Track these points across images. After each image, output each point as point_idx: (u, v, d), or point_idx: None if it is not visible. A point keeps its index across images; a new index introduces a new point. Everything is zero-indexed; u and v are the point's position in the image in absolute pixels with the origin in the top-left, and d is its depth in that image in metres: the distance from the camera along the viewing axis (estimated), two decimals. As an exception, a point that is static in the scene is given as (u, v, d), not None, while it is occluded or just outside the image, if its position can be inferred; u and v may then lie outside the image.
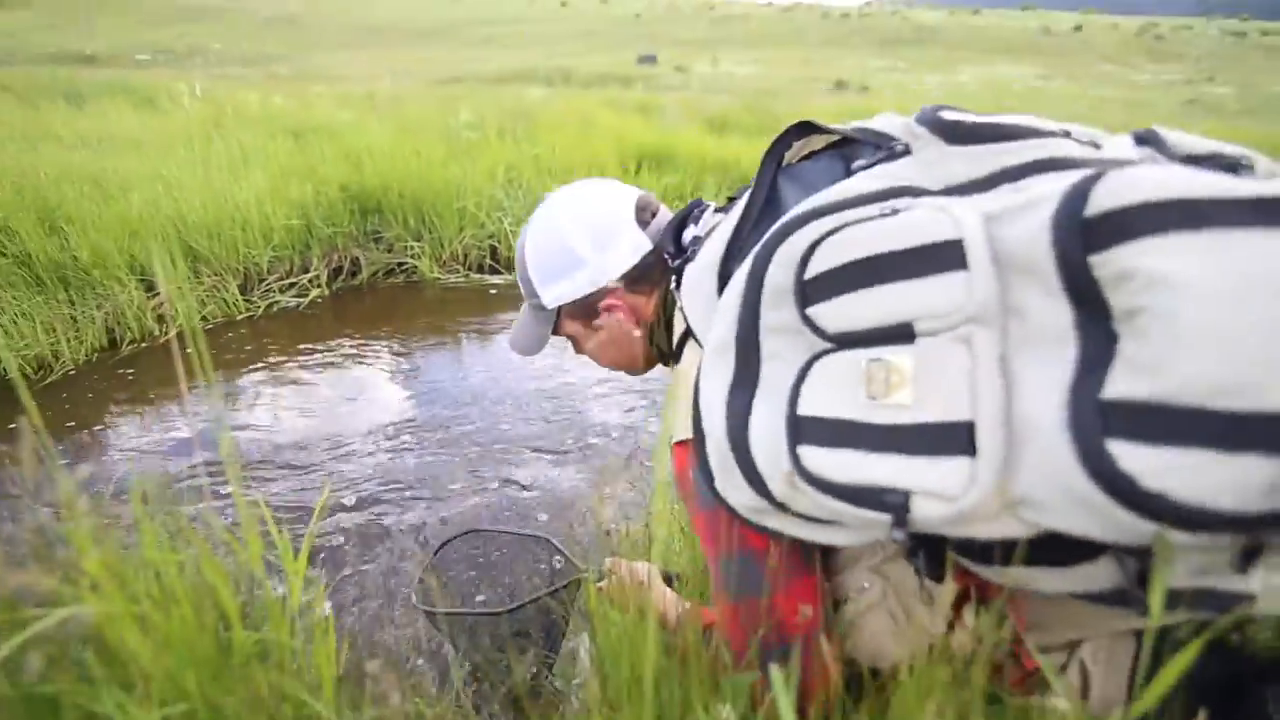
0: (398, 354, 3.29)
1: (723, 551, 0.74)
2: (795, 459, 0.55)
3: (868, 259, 0.54)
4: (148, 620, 0.71)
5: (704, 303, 0.77)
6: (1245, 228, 0.43)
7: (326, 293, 3.95)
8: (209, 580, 0.76)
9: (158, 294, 3.40)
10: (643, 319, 0.97)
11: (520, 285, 1.02)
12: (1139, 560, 0.50)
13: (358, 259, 4.21)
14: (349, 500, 2.15)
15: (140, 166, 4.06)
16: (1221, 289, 0.41)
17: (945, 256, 0.51)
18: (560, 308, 0.99)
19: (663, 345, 0.94)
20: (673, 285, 0.90)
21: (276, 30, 40.52)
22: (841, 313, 0.55)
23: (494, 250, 4.51)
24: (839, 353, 0.55)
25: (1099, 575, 0.53)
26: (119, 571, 0.71)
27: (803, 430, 0.55)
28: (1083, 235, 0.45)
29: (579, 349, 1.07)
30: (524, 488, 2.25)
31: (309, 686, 0.78)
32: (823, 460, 0.54)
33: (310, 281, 3.92)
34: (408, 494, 2.20)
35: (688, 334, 0.84)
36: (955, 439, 0.48)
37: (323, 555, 1.89)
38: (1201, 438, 0.40)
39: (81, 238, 3.20)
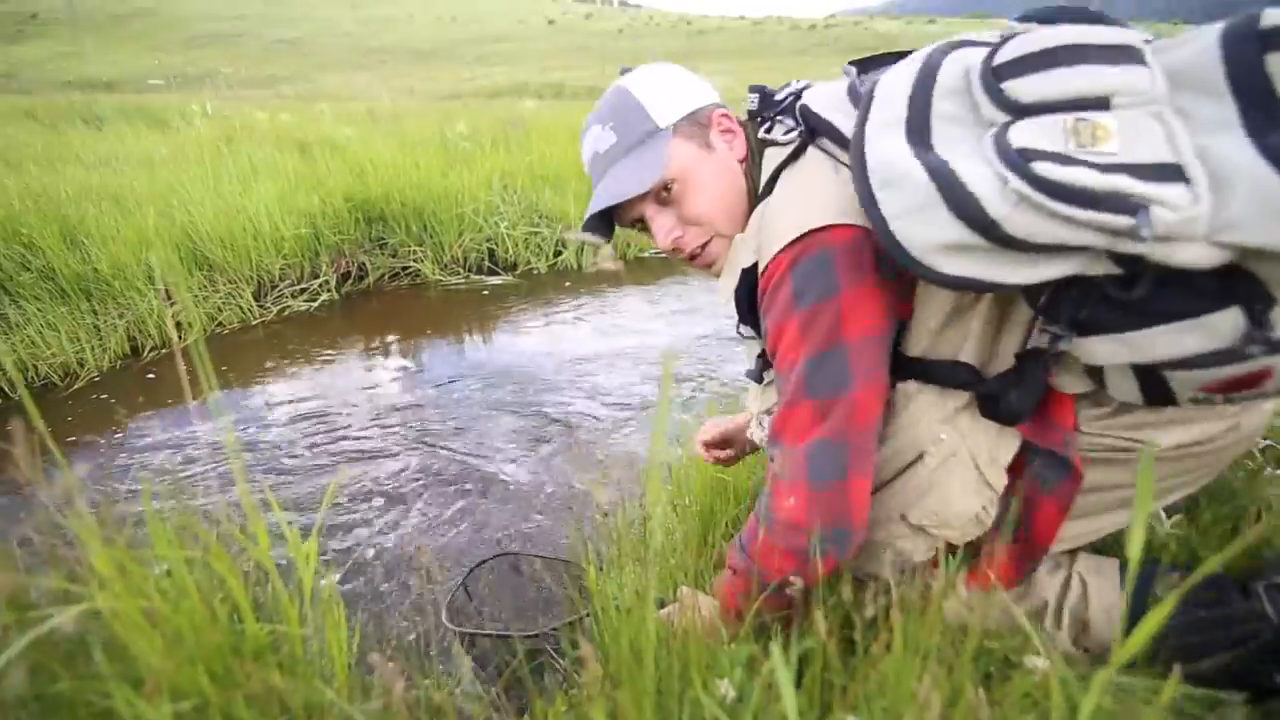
0: (404, 352, 3.24)
1: (810, 349, 0.72)
2: (1029, 175, 0.56)
3: (1058, 48, 0.60)
4: (157, 615, 0.67)
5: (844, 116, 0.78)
6: None
7: (336, 297, 3.89)
8: (219, 573, 0.72)
9: (174, 303, 3.33)
10: (744, 142, 0.89)
11: (613, 132, 0.86)
12: (1264, 306, 0.56)
13: (364, 264, 4.13)
14: (359, 492, 2.11)
15: (155, 183, 3.97)
16: None
17: (1128, 54, 0.60)
18: (675, 127, 0.86)
19: (755, 180, 0.87)
20: (764, 131, 0.87)
21: (282, 54, 39.93)
22: (1038, 87, 0.60)
23: (491, 252, 4.44)
24: (1036, 117, 0.59)
25: (1222, 326, 0.58)
26: (127, 568, 0.66)
27: (1029, 156, 0.57)
28: (1260, 40, 0.53)
29: (674, 208, 0.87)
30: (524, 482, 2.21)
31: (322, 675, 0.75)
32: (1061, 173, 0.55)
33: (320, 287, 3.85)
34: (417, 485, 2.16)
35: (778, 172, 0.82)
36: (1171, 172, 0.54)
37: (334, 545, 1.85)
38: None
39: (101, 251, 3.12)
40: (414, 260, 4.21)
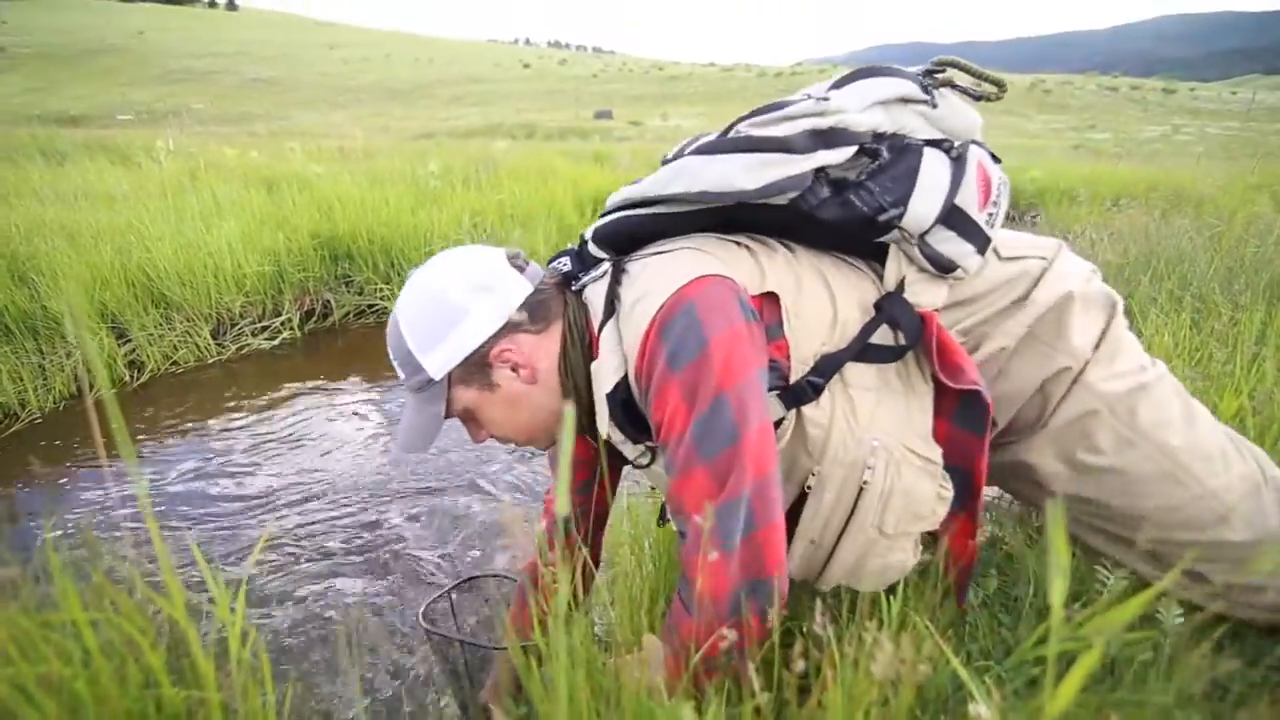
0: (366, 391, 3.17)
1: (695, 411, 0.71)
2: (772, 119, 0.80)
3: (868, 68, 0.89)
4: (55, 681, 0.62)
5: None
6: None
7: (298, 335, 3.81)
8: (128, 634, 0.68)
9: (129, 341, 3.23)
10: (546, 358, 0.85)
11: (400, 371, 0.86)
12: None
13: (329, 301, 4.08)
14: (300, 544, 2.03)
15: (114, 219, 3.88)
16: None
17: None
18: (450, 375, 0.84)
19: (578, 371, 0.85)
20: (576, 287, 0.88)
21: (257, 91, 40.00)
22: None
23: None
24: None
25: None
26: (24, 633, 0.62)
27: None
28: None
29: (479, 428, 0.91)
30: (483, 527, 2.16)
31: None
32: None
33: (282, 324, 3.78)
34: (368, 537, 2.09)
35: (611, 295, 0.82)
36: None
37: (266, 598, 1.77)
38: None
39: (51, 288, 3.02)
40: (380, 298, 4.17)
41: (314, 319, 4.01)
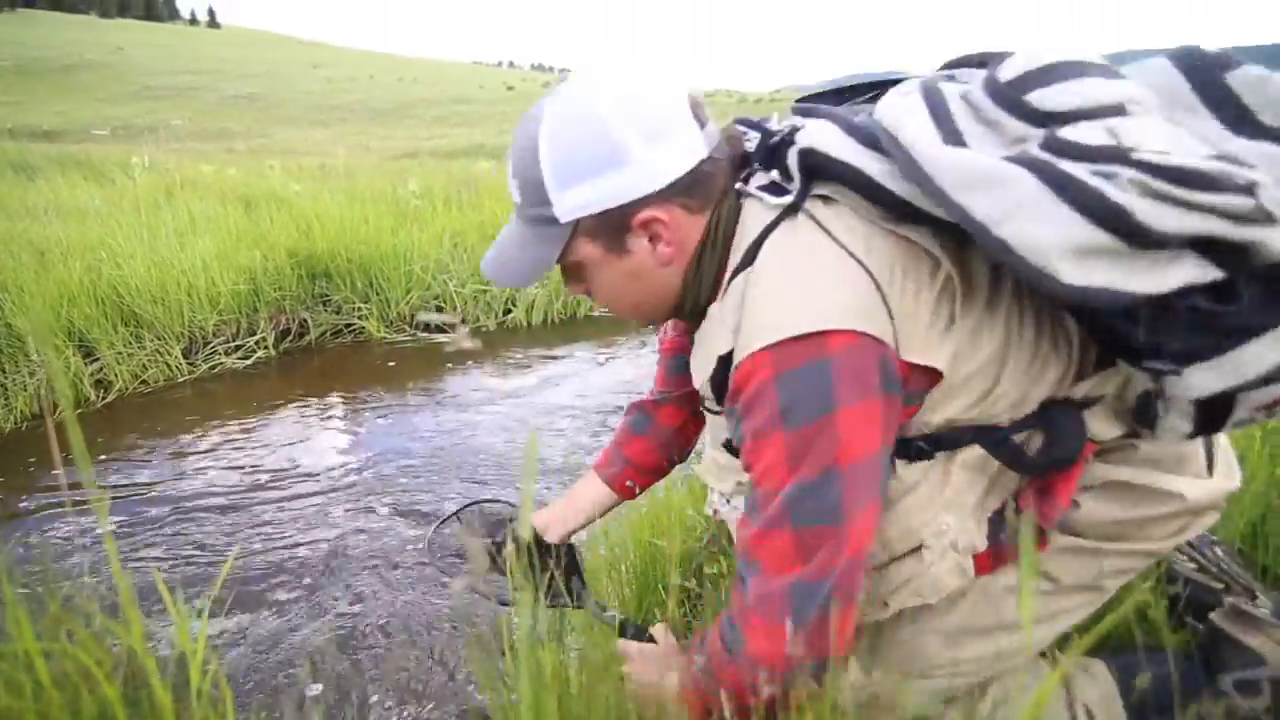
0: (340, 412, 3.13)
1: (799, 476, 0.60)
2: (1138, 163, 0.51)
3: (1059, 64, 0.59)
4: (6, 717, 0.60)
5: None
6: None
7: (273, 354, 3.76)
8: (84, 665, 0.66)
9: (96, 359, 3.16)
10: (688, 243, 0.70)
11: (516, 191, 0.71)
12: None
13: (305, 320, 4.03)
14: (266, 571, 1.99)
15: (85, 235, 3.82)
16: None
17: (1113, 71, 0.59)
18: (578, 222, 0.69)
19: (706, 278, 0.71)
20: (743, 181, 0.70)
21: (239, 109, 39.82)
22: (1060, 98, 0.58)
23: (440, 310, 4.41)
24: (1073, 125, 0.56)
25: None
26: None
27: (1126, 155, 0.52)
28: (1217, 63, 0.57)
29: (579, 284, 0.76)
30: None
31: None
32: (1168, 160, 0.51)
33: (256, 343, 3.73)
34: (335, 563, 2.05)
35: (762, 238, 0.66)
36: (1234, 162, 0.51)
37: (230, 627, 1.72)
38: None
39: (16, 304, 2.96)
40: (358, 317, 4.14)
41: (290, 338, 3.96)
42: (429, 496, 2.37)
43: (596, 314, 4.86)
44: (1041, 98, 0.58)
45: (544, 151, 0.67)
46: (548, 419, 3.06)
